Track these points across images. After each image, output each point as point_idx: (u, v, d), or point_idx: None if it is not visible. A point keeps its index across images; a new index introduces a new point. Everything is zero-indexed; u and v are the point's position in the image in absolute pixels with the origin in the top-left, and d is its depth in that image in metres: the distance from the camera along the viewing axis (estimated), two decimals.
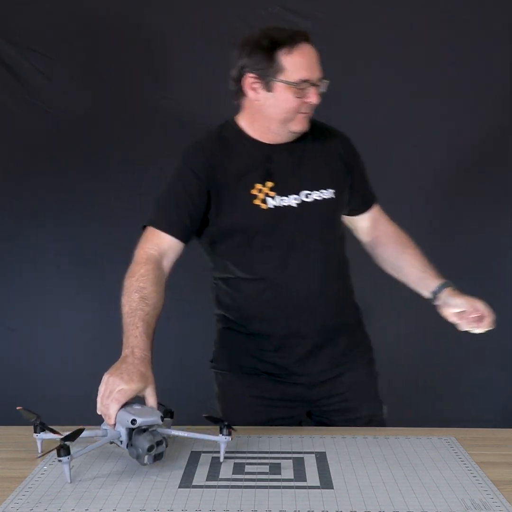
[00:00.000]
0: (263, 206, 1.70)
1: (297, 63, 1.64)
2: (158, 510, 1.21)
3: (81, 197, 2.69)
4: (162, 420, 1.38)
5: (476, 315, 1.74)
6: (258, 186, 1.70)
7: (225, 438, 1.39)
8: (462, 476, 1.35)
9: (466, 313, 1.74)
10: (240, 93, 1.74)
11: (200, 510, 1.21)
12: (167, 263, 1.69)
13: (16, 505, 1.22)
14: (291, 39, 1.64)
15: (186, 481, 1.32)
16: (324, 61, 2.59)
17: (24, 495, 1.26)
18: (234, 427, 1.41)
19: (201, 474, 1.35)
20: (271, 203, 1.70)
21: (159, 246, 1.68)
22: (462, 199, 2.71)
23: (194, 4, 2.61)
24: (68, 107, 2.64)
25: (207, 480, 1.33)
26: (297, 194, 1.72)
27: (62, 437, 1.31)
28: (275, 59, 1.64)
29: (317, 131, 1.79)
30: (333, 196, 1.75)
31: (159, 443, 1.34)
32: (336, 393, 1.79)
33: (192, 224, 1.70)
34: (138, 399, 1.44)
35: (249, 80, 1.69)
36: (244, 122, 1.76)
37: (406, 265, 1.86)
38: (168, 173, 2.65)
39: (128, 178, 2.68)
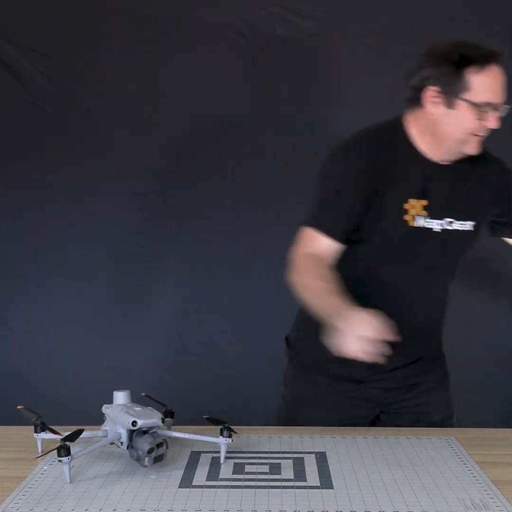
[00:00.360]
0: (412, 223, 1.66)
1: (485, 84, 1.59)
2: (158, 510, 1.21)
3: (81, 197, 2.68)
4: (163, 422, 1.38)
5: None
6: (413, 202, 1.66)
7: (226, 440, 1.39)
8: (462, 476, 1.35)
9: None
10: (416, 102, 1.66)
11: (200, 510, 1.21)
12: (328, 262, 1.65)
13: (16, 505, 1.22)
14: (482, 58, 1.58)
15: (186, 481, 1.32)
16: (324, 60, 2.60)
17: (24, 495, 1.26)
18: (234, 428, 1.41)
19: (201, 474, 1.35)
20: (419, 222, 1.66)
21: (317, 249, 1.64)
22: None
23: (194, 4, 2.60)
24: (68, 107, 2.63)
25: (207, 480, 1.33)
26: (443, 219, 1.69)
27: (62, 437, 1.31)
28: (463, 76, 1.58)
29: (479, 157, 1.72)
30: (472, 229, 1.73)
31: (159, 445, 1.34)
32: (411, 397, 1.79)
33: (351, 226, 1.65)
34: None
35: (431, 93, 1.62)
36: (415, 131, 1.69)
37: None
38: (168, 173, 2.67)
39: (128, 178, 2.68)
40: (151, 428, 1.35)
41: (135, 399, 1.46)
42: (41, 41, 2.60)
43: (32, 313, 2.73)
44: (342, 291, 1.54)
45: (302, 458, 1.43)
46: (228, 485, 1.30)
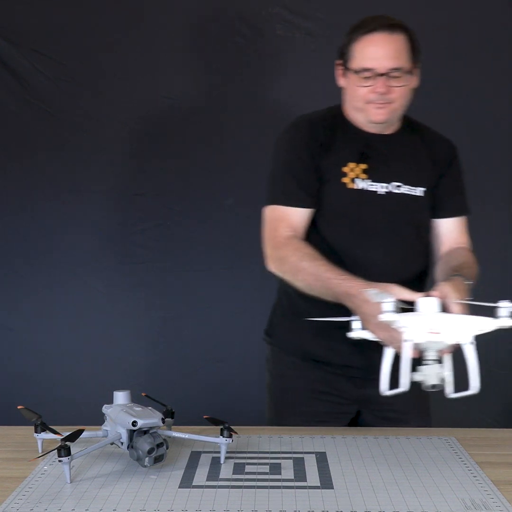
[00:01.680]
0: (351, 185, 1.70)
1: (363, 51, 1.63)
2: (158, 510, 1.21)
3: (82, 197, 2.69)
4: (163, 422, 1.38)
5: None
6: (352, 165, 1.71)
7: (226, 440, 1.39)
8: (462, 476, 1.35)
9: None
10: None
11: (200, 510, 1.21)
12: (302, 237, 1.71)
13: (16, 505, 1.22)
14: (365, 27, 1.64)
15: (186, 481, 1.32)
16: (324, 61, 2.59)
17: (24, 495, 1.26)
18: (234, 428, 1.41)
19: (201, 474, 1.35)
20: (360, 184, 1.70)
21: (291, 226, 1.69)
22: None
23: (194, 4, 2.61)
24: (68, 107, 2.63)
25: (207, 480, 1.33)
26: (388, 183, 1.72)
27: (62, 437, 1.31)
28: (348, 46, 1.66)
29: (426, 134, 1.80)
30: (422, 195, 1.74)
31: (159, 445, 1.34)
32: (386, 401, 1.69)
33: (311, 189, 1.71)
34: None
35: (337, 67, 1.72)
36: (346, 107, 1.76)
37: (444, 268, 1.73)
38: (168, 173, 2.67)
39: (128, 178, 2.68)
40: (151, 428, 1.35)
41: (135, 399, 1.46)
42: (41, 41, 2.60)
43: (32, 313, 2.73)
44: (336, 267, 1.59)
45: (302, 458, 1.43)
46: (228, 485, 1.30)
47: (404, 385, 1.38)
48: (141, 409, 1.38)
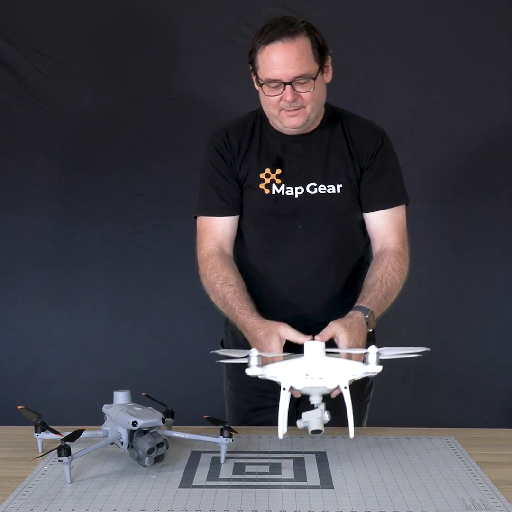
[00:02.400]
0: (267, 191, 1.73)
1: (266, 62, 1.62)
2: (158, 510, 1.21)
3: (82, 197, 2.69)
4: (163, 422, 1.38)
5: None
6: (267, 170, 1.74)
7: (226, 440, 1.39)
8: (462, 476, 1.35)
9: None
10: None
11: (200, 510, 1.21)
12: (228, 248, 1.79)
13: (16, 505, 1.22)
14: (265, 35, 1.61)
15: (187, 481, 1.32)
16: None
17: (24, 495, 1.26)
18: (234, 428, 1.41)
19: (201, 474, 1.35)
20: (274, 190, 1.73)
21: (215, 238, 1.77)
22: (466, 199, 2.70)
23: (194, 4, 2.60)
24: (68, 107, 2.63)
25: (207, 480, 1.33)
26: (303, 186, 1.73)
27: (62, 437, 1.31)
28: (254, 55, 1.65)
29: (351, 126, 1.78)
30: (339, 192, 1.74)
31: (159, 445, 1.34)
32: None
33: (233, 198, 1.77)
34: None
35: (251, 72, 1.70)
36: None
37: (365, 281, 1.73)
38: (168, 174, 2.67)
39: (128, 178, 2.68)
40: (152, 428, 1.35)
41: (135, 399, 1.46)
42: (41, 41, 2.60)
43: (32, 313, 2.73)
44: (244, 294, 1.68)
45: (303, 458, 1.43)
46: (229, 485, 1.30)
47: (279, 434, 1.41)
48: (141, 409, 1.38)
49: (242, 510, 1.21)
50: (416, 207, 2.66)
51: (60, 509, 1.21)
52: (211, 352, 1.65)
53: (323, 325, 1.65)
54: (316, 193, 1.73)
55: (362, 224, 1.81)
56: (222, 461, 1.41)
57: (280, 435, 1.41)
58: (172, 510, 1.21)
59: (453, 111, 2.63)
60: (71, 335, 2.73)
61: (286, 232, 1.75)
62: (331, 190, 1.74)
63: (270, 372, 1.44)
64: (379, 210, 1.77)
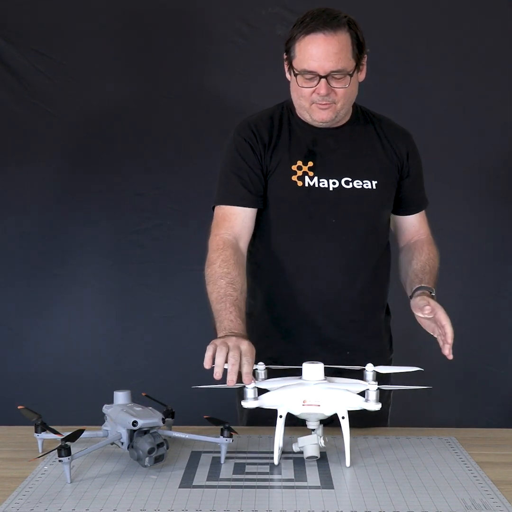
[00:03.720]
0: (299, 183, 1.70)
1: (304, 52, 1.60)
2: (158, 510, 1.21)
3: (82, 197, 2.69)
4: (163, 422, 1.38)
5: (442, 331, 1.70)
6: (299, 162, 1.71)
7: (226, 440, 1.39)
8: (462, 476, 1.35)
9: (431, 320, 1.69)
10: None
11: (200, 510, 1.21)
12: (244, 243, 1.72)
13: (16, 505, 1.22)
14: (308, 25, 1.59)
15: (187, 481, 1.32)
16: None
17: (24, 495, 1.26)
18: (234, 428, 1.41)
19: (201, 474, 1.35)
20: (308, 182, 1.70)
21: (233, 228, 1.70)
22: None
23: (194, 4, 2.61)
24: (68, 107, 2.64)
25: (207, 480, 1.33)
26: (338, 179, 1.71)
27: (62, 437, 1.31)
28: (292, 44, 1.63)
29: (381, 126, 1.78)
30: (374, 188, 1.73)
31: (160, 445, 1.34)
32: None
33: (257, 189, 1.72)
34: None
35: (284, 60, 1.69)
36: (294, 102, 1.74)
37: (408, 267, 1.81)
38: (168, 174, 2.67)
39: (129, 178, 2.68)
40: (152, 428, 1.35)
41: (135, 399, 1.46)
42: (41, 41, 2.60)
43: (32, 313, 2.73)
44: (242, 303, 1.61)
45: (303, 458, 1.43)
46: (229, 485, 1.30)
47: (275, 460, 1.40)
48: (141, 409, 1.38)
49: (242, 510, 1.21)
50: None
51: (60, 509, 1.21)
52: (192, 387, 1.59)
53: (351, 322, 1.75)
54: (352, 187, 1.71)
55: (388, 222, 1.83)
56: (222, 461, 1.41)
57: (276, 461, 1.40)
58: (172, 510, 1.21)
59: (454, 108, 2.64)
60: (71, 335, 2.73)
61: (318, 225, 1.72)
62: (367, 186, 1.72)
63: (267, 402, 1.42)
64: (418, 212, 1.87)
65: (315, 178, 1.70)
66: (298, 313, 1.74)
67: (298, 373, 1.47)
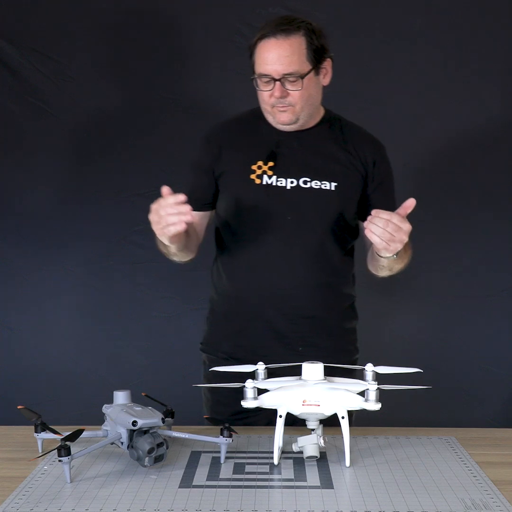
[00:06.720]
0: (257, 181, 1.75)
1: (260, 56, 1.67)
2: (158, 510, 1.21)
3: (82, 197, 2.69)
4: (163, 422, 1.38)
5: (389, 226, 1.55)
6: (260, 163, 1.75)
7: (226, 440, 1.39)
8: (462, 476, 1.35)
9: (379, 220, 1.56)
10: None
11: (200, 510, 1.21)
12: (200, 229, 1.85)
13: (16, 505, 1.22)
14: (262, 31, 1.66)
15: (186, 481, 1.32)
16: None
17: (24, 495, 1.26)
18: (234, 428, 1.42)
19: (201, 474, 1.35)
20: (266, 180, 1.75)
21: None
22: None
23: (194, 4, 2.60)
24: (69, 107, 2.63)
25: (207, 480, 1.33)
26: (296, 179, 1.75)
27: (62, 437, 1.31)
28: (253, 49, 1.70)
29: (350, 132, 1.81)
30: (333, 190, 1.75)
31: (159, 445, 1.34)
32: None
33: (204, 195, 1.82)
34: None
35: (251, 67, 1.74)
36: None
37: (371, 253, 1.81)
38: (168, 174, 2.67)
39: (129, 178, 2.68)
40: (151, 428, 1.35)
41: (135, 399, 1.46)
42: (41, 41, 2.60)
43: (32, 313, 2.73)
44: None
45: (302, 458, 1.43)
46: (228, 485, 1.31)
47: (275, 460, 1.40)
48: (141, 409, 1.38)
49: (242, 510, 1.21)
50: (417, 208, 2.67)
51: (60, 509, 1.21)
52: (193, 385, 1.64)
53: (307, 318, 1.77)
54: (309, 187, 1.75)
55: (353, 227, 1.83)
56: (222, 461, 1.41)
57: (276, 461, 1.40)
58: (172, 510, 1.21)
59: (453, 108, 2.64)
60: (71, 335, 2.73)
61: (275, 222, 1.76)
62: (325, 186, 1.75)
63: (267, 402, 1.42)
64: None
65: (274, 177, 1.75)
66: (252, 308, 1.79)
67: (294, 372, 1.47)
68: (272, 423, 1.44)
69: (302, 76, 1.66)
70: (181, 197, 1.53)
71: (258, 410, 1.64)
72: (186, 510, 1.21)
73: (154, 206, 1.59)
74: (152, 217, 1.61)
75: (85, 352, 2.73)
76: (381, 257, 1.67)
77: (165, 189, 1.56)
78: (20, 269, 2.71)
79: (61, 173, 2.68)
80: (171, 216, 1.55)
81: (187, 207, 1.53)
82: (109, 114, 2.65)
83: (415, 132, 2.63)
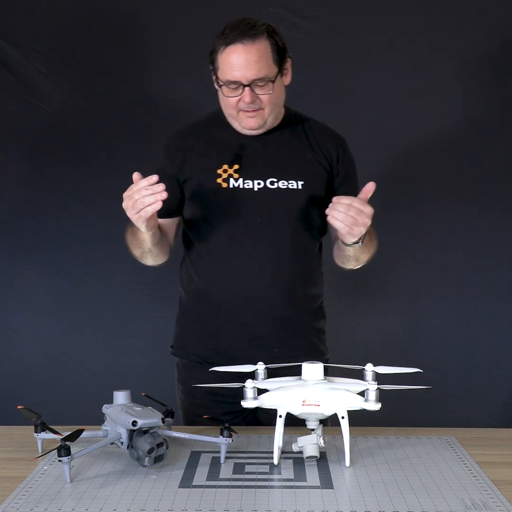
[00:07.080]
0: (224, 185, 1.74)
1: (225, 63, 1.65)
2: (158, 510, 1.21)
3: (82, 196, 2.69)
4: (163, 422, 1.38)
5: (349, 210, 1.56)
6: (225, 166, 1.75)
7: (226, 440, 1.39)
8: (462, 476, 1.35)
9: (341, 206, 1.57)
10: None
11: (200, 510, 1.21)
12: (170, 235, 1.85)
13: (16, 505, 1.22)
14: (226, 37, 1.64)
15: (186, 481, 1.32)
16: (324, 60, 2.59)
17: (24, 495, 1.26)
18: (234, 428, 1.41)
19: (201, 474, 1.35)
20: (233, 183, 1.74)
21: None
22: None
23: (194, 5, 2.60)
24: (68, 107, 2.64)
25: (207, 480, 1.33)
26: (263, 180, 1.74)
27: (62, 437, 1.31)
28: (215, 56, 1.68)
29: (312, 129, 1.81)
30: (300, 188, 1.75)
31: (159, 445, 1.34)
32: None
33: (173, 201, 1.76)
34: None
35: (210, 71, 1.72)
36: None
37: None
38: None
39: (129, 178, 2.67)
40: (151, 428, 1.35)
41: (135, 399, 1.46)
42: (41, 41, 2.60)
43: (32, 313, 2.73)
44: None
45: (302, 458, 1.43)
46: (228, 485, 1.30)
47: (275, 460, 1.40)
48: (141, 409, 1.38)
49: (242, 510, 1.21)
50: (417, 209, 2.68)
51: (60, 509, 1.21)
52: (192, 386, 1.63)
53: (279, 319, 1.76)
54: (276, 187, 1.74)
55: (320, 224, 1.82)
56: (222, 461, 1.41)
57: (276, 461, 1.40)
58: (172, 510, 1.21)
59: (456, 108, 2.64)
60: (71, 335, 2.73)
61: (244, 224, 1.75)
62: (292, 186, 1.75)
63: (267, 402, 1.42)
64: None
65: (240, 180, 1.74)
66: (225, 310, 1.78)
67: (293, 372, 1.48)
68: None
69: (272, 80, 1.66)
70: (154, 177, 1.54)
71: (236, 411, 1.65)
72: (186, 510, 1.21)
73: (127, 194, 1.61)
74: (126, 203, 1.63)
75: (85, 352, 2.73)
76: (347, 245, 1.67)
77: (136, 175, 1.58)
78: (20, 270, 2.71)
79: (60, 173, 2.68)
80: (147, 197, 1.56)
81: (162, 186, 1.53)
82: (109, 114, 2.65)
83: (414, 131, 2.63)
